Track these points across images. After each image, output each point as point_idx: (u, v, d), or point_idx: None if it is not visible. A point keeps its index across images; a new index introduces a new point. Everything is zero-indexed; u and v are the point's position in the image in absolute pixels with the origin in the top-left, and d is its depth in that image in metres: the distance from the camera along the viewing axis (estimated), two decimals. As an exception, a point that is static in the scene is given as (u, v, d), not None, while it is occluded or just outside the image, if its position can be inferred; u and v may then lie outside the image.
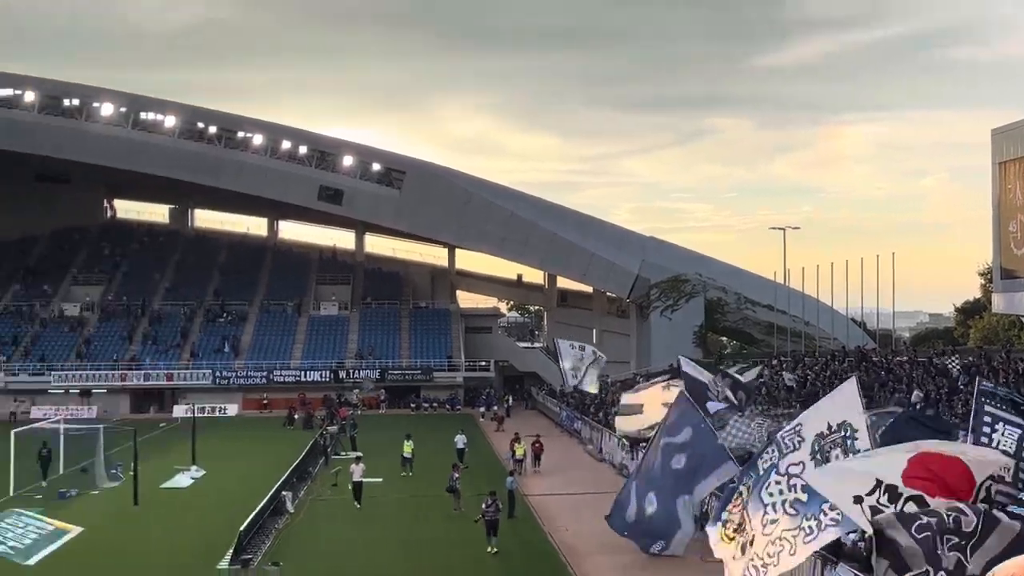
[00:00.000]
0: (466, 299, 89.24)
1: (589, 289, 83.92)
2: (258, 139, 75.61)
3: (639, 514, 26.09)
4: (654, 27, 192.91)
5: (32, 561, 27.06)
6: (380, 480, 38.38)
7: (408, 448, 41.23)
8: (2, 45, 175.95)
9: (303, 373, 73.14)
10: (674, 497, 25.04)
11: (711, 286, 78.29)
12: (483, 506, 27.64)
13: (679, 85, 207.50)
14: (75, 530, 30.33)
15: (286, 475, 35.46)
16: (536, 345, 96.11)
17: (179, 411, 67.11)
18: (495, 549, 27.10)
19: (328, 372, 73.12)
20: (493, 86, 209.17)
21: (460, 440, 43.34)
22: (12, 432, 38.81)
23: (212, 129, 75.63)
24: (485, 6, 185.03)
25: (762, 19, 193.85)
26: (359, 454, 42.96)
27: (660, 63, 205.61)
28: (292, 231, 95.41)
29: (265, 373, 72.80)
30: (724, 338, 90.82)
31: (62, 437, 41.27)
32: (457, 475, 33.59)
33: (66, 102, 73.82)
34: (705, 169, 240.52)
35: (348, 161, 76.75)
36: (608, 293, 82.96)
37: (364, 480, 34.77)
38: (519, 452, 40.62)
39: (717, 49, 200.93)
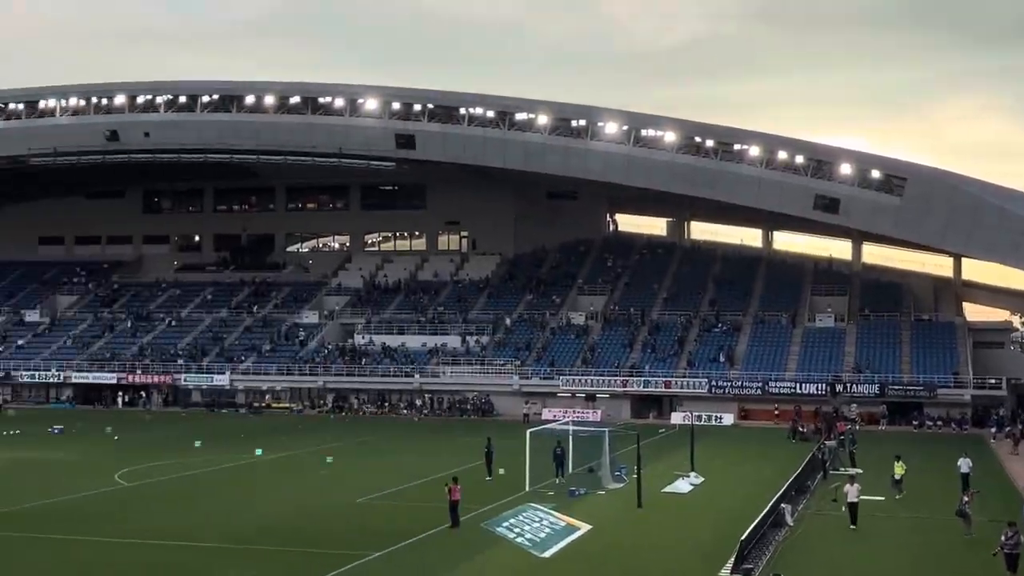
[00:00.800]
0: (973, 311, 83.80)
1: (1119, 302, 75.50)
2: (754, 151, 75.82)
3: None
4: None
5: (547, 554, 28.93)
6: (881, 499, 37.06)
7: (899, 469, 39.35)
8: (517, 71, 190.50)
9: (798, 385, 72.26)
10: None
11: None
12: (1002, 537, 25.66)
13: None
14: (584, 527, 32.06)
15: (785, 487, 35.21)
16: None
17: (676, 418, 68.97)
18: (1013, 585, 25.11)
19: (824, 385, 71.66)
20: (1001, 86, 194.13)
21: (964, 464, 40.27)
22: (528, 432, 41.83)
23: (709, 143, 76.94)
24: (988, 1, 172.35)
25: None
26: (858, 470, 41.80)
27: None
28: (786, 241, 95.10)
29: (760, 384, 72.80)
30: None
31: (571, 438, 43.82)
32: (967, 499, 31.62)
33: (573, 123, 78.43)
34: None
35: (845, 169, 74.77)
36: None
37: (861, 499, 33.58)
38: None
39: None
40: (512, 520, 32.07)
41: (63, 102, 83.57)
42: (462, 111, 79.79)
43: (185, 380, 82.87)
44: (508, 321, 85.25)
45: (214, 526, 32.68)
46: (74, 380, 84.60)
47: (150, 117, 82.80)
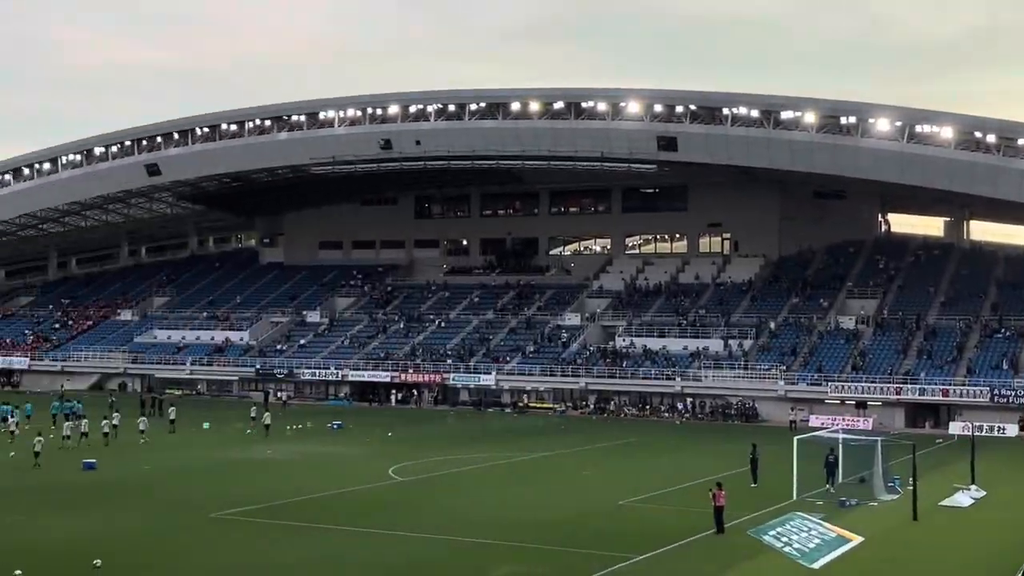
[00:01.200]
0: None
1: None
2: (1041, 145, 70.89)
3: None
4: None
5: (816, 565, 28.02)
6: None
7: None
8: (782, 68, 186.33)
9: (1091, 395, 67.10)
10: None
11: None
12: None
13: None
14: (856, 539, 30.88)
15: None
16: None
17: (955, 428, 65.53)
18: None
19: (1121, 396, 66.25)
20: None
21: None
22: (795, 439, 40.70)
23: (990, 138, 72.50)
24: None
25: None
26: None
27: None
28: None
29: (1048, 393, 68.06)
30: None
31: (841, 446, 42.37)
32: None
33: (842, 120, 75.70)
34: None
35: None
36: None
37: None
38: None
39: None
40: (779, 528, 31.27)
41: (341, 113, 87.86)
42: (725, 111, 78.45)
43: (454, 379, 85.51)
44: (772, 325, 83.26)
45: (481, 522, 33.53)
46: (351, 378, 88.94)
47: (421, 126, 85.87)
